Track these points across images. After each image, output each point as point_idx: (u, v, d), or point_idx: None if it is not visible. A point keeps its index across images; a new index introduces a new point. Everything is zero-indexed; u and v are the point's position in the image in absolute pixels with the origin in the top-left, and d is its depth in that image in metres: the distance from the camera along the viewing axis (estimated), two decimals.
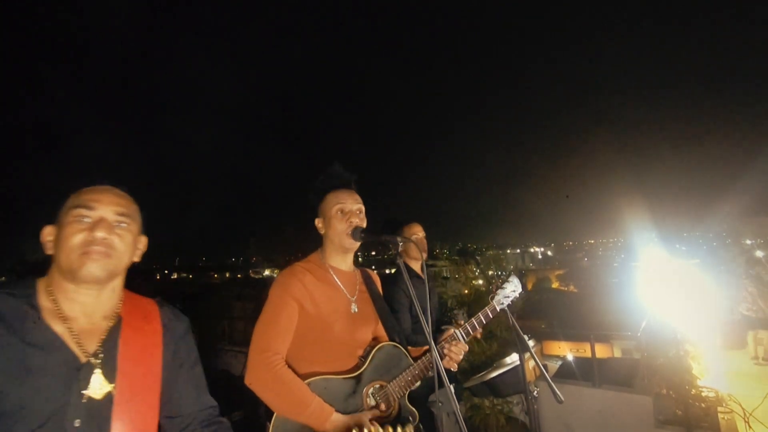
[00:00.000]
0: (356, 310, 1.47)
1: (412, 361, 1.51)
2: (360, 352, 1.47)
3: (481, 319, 1.63)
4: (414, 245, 2.34)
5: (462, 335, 1.59)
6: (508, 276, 1.73)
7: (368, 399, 1.39)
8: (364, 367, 1.40)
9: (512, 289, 1.66)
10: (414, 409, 1.51)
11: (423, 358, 1.52)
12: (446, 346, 1.55)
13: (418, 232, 2.43)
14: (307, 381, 1.31)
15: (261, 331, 1.34)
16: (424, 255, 2.34)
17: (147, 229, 1.04)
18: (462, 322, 1.99)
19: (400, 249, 1.46)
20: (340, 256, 1.52)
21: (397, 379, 1.45)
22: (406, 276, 1.39)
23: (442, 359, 1.50)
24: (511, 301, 1.66)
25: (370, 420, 1.27)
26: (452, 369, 1.54)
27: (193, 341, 1.06)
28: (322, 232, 1.51)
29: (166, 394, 0.96)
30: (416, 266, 2.42)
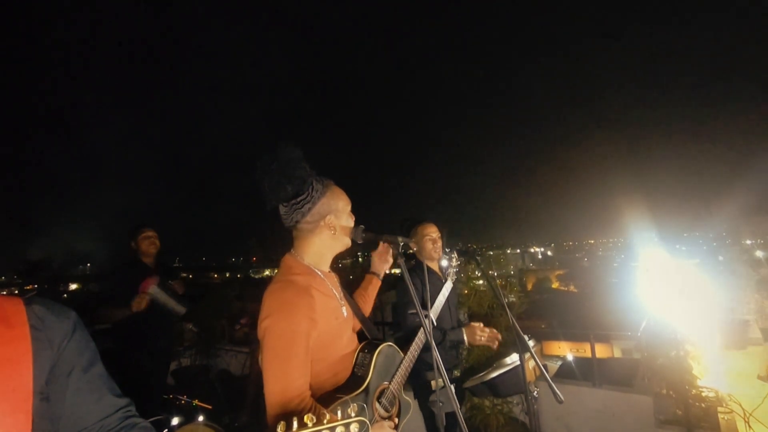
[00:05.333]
0: (346, 313, 1.36)
1: (403, 354, 1.49)
2: (352, 355, 1.37)
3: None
4: (417, 246, 2.33)
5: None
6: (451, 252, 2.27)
7: (377, 407, 1.33)
8: (369, 376, 1.30)
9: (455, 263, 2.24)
10: (408, 399, 1.51)
11: (411, 347, 1.52)
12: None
13: (431, 233, 2.35)
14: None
15: (279, 368, 1.10)
16: (437, 255, 2.33)
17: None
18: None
19: (400, 249, 1.46)
20: (331, 257, 1.37)
21: (396, 376, 1.43)
22: (406, 276, 1.39)
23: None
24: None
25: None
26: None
27: (84, 338, 0.84)
28: (332, 231, 1.30)
29: (53, 411, 0.77)
30: (434, 266, 2.39)
